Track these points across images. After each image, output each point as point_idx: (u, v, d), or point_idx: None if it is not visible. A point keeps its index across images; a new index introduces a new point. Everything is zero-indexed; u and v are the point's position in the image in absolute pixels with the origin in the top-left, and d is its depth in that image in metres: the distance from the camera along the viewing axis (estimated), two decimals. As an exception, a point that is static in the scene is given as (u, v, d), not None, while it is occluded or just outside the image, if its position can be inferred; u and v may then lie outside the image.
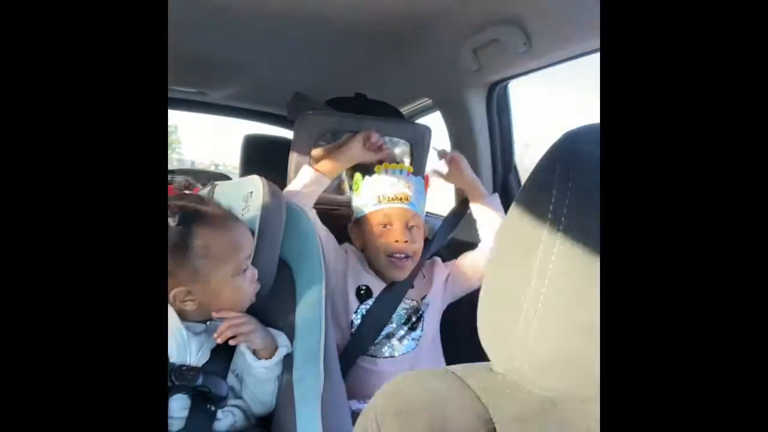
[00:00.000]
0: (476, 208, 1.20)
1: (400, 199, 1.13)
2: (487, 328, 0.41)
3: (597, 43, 1.02)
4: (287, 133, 2.25)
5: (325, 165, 1.15)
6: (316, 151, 1.27)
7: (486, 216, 1.18)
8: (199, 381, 0.78)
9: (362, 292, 1.15)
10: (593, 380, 0.37)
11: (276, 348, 0.85)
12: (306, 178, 1.13)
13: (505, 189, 1.45)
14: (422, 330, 1.16)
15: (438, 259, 1.25)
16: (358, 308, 1.14)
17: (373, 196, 1.15)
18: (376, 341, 1.13)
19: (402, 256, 1.13)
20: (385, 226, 1.13)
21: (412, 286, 1.18)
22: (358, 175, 1.19)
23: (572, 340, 0.36)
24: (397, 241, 1.12)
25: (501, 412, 0.40)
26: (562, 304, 0.36)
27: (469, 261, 1.21)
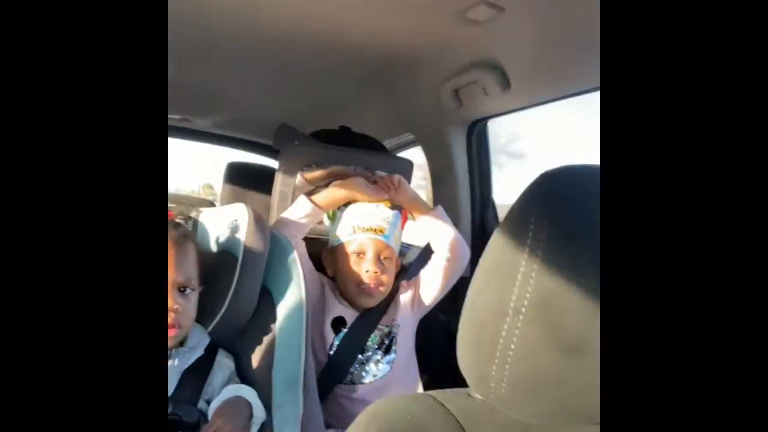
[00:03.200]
0: (422, 221, 1.23)
1: (375, 230, 1.16)
2: (466, 354, 0.44)
3: (572, 89, 1.08)
4: (271, 162, 2.27)
5: (323, 198, 1.17)
6: (309, 175, 1.28)
7: (431, 229, 1.22)
8: (169, 409, 0.78)
9: (337, 323, 1.16)
10: (570, 406, 0.40)
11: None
12: (302, 210, 1.15)
13: (483, 224, 1.49)
14: (396, 353, 1.18)
15: (400, 282, 1.27)
16: (334, 338, 1.15)
17: (349, 225, 1.18)
18: (352, 369, 1.14)
19: (371, 285, 1.15)
20: (358, 255, 1.16)
21: (385, 313, 1.20)
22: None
23: (548, 367, 0.39)
24: (367, 271, 1.15)
25: (479, 435, 0.42)
26: (538, 332, 0.38)
27: (427, 276, 1.23)
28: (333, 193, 1.19)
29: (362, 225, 1.17)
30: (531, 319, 0.38)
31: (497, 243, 0.43)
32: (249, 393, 0.85)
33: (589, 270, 0.38)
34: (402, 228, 1.26)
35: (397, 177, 1.21)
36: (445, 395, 0.46)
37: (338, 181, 1.21)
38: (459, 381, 0.46)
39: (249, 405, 0.84)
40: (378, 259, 1.16)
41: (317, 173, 1.28)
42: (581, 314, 0.37)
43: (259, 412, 0.84)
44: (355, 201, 1.21)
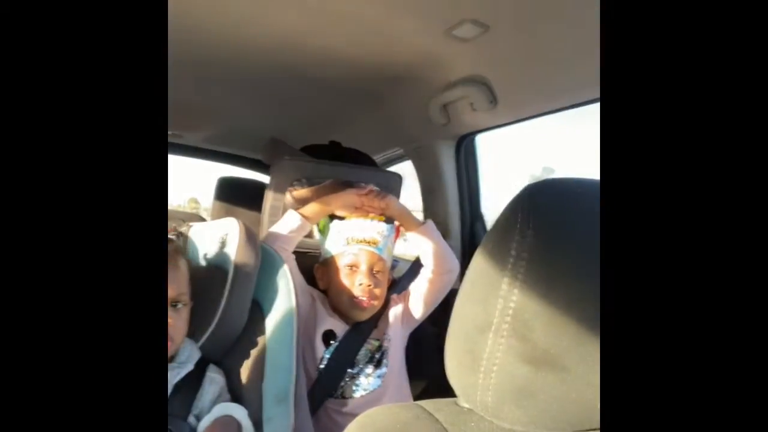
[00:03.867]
0: (412, 237, 1.22)
1: (369, 242, 1.16)
2: (454, 363, 0.44)
3: (558, 104, 1.11)
4: (261, 177, 2.28)
5: (310, 210, 1.17)
6: (297, 193, 1.29)
7: (422, 243, 1.21)
8: None
9: (327, 336, 1.16)
10: (553, 414, 0.41)
11: None
12: (291, 224, 1.14)
13: (472, 236, 1.50)
14: (386, 366, 1.18)
15: (391, 296, 1.27)
16: (324, 352, 1.15)
17: (342, 237, 1.17)
18: (342, 383, 1.14)
19: (365, 299, 1.15)
20: (351, 267, 1.16)
21: (376, 326, 1.20)
22: (324, 219, 1.21)
23: (532, 374, 0.40)
24: (361, 284, 1.14)
25: (466, 443, 0.43)
26: (521, 341, 0.40)
27: (416, 291, 1.23)
28: (320, 206, 1.18)
29: (356, 237, 1.16)
30: (514, 330, 0.39)
31: (482, 255, 0.44)
32: (239, 412, 0.85)
33: (572, 282, 0.39)
34: (395, 241, 1.26)
35: (387, 198, 1.20)
36: (433, 404, 0.47)
37: (327, 195, 1.21)
38: (449, 392, 0.47)
39: (239, 425, 0.84)
40: (371, 271, 1.16)
41: (305, 191, 1.29)
42: (564, 326, 0.38)
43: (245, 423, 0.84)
44: (341, 214, 1.21)
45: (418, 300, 1.23)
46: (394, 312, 1.23)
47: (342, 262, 1.17)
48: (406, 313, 1.24)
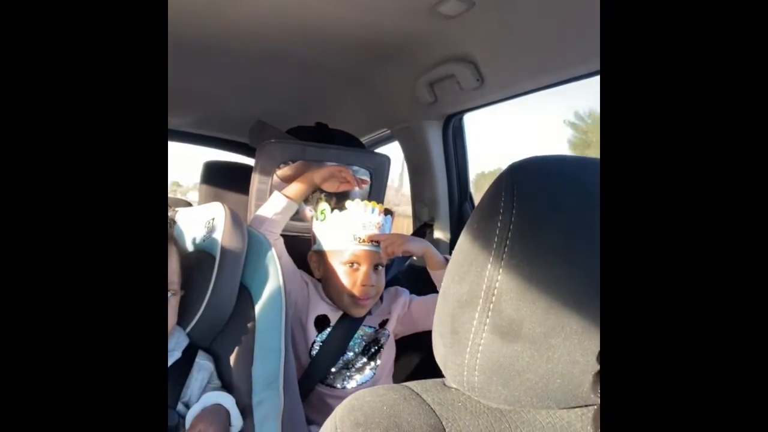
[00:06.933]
0: (434, 275, 1.20)
1: (372, 241, 1.13)
2: (441, 344, 0.44)
3: (545, 81, 1.10)
4: (247, 160, 2.26)
5: (293, 190, 1.15)
6: (282, 171, 1.27)
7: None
8: None
9: (320, 321, 1.15)
10: (538, 392, 0.41)
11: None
12: (277, 206, 1.13)
13: (461, 216, 1.50)
14: (380, 359, 1.18)
15: (401, 291, 1.26)
16: (316, 337, 1.14)
17: (343, 233, 1.13)
18: (335, 370, 1.14)
19: (365, 298, 1.13)
20: (352, 265, 1.12)
21: (370, 313, 1.19)
22: (324, 204, 1.17)
23: (517, 353, 0.40)
24: (363, 285, 1.11)
25: (454, 423, 0.43)
26: (506, 320, 0.39)
27: (424, 306, 1.23)
28: (303, 183, 1.17)
29: (359, 235, 1.12)
30: (499, 310, 0.39)
31: (468, 235, 0.44)
32: (227, 400, 0.85)
33: (556, 260, 0.39)
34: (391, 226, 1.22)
35: (407, 244, 1.16)
36: (421, 385, 0.47)
37: (308, 172, 1.20)
38: (437, 375, 0.47)
39: (227, 413, 0.84)
40: (373, 269, 1.13)
41: (288, 169, 1.27)
42: (547, 304, 0.38)
43: (236, 421, 0.84)
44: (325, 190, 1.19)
45: (425, 317, 1.21)
46: (397, 311, 1.21)
47: (342, 260, 1.13)
48: (408, 320, 1.23)
